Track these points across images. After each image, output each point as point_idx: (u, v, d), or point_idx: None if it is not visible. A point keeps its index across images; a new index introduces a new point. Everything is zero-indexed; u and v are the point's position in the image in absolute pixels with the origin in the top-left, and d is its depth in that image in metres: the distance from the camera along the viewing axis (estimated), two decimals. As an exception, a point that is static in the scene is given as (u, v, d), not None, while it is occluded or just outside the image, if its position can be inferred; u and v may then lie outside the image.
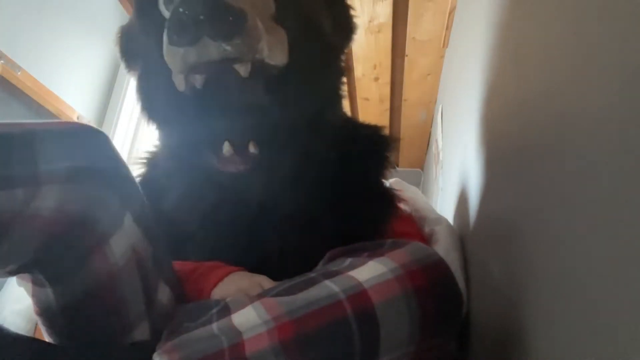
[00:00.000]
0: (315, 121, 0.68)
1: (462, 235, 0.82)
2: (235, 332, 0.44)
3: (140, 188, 0.55)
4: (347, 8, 0.79)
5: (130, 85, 2.79)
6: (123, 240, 0.51)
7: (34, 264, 0.48)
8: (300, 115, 0.66)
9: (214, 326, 0.46)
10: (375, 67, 2.03)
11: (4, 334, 0.48)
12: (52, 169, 0.45)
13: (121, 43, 0.77)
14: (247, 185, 0.65)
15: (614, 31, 0.30)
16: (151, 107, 0.70)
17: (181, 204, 0.68)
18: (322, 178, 0.67)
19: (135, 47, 0.74)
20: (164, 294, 0.56)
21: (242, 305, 0.48)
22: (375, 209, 0.72)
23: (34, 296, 0.51)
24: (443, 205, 1.39)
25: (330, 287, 0.47)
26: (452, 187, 1.12)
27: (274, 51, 0.61)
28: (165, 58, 0.59)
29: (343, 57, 0.78)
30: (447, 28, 1.53)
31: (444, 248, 0.73)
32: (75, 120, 2.50)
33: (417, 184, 2.63)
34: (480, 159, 0.76)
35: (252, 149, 0.63)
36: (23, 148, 0.45)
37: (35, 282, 0.50)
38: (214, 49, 0.55)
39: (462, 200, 0.91)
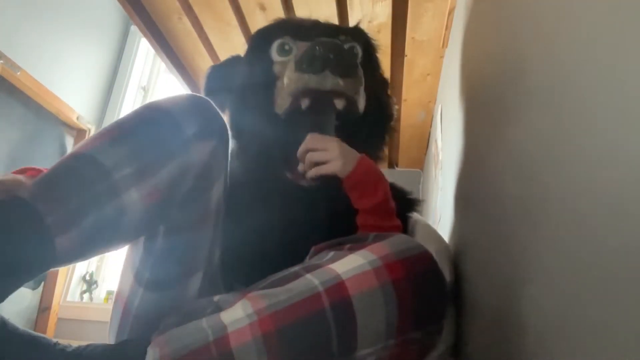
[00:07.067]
0: None
1: (461, 239, 0.82)
2: (221, 326, 0.46)
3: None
4: (391, 100, 1.02)
5: (129, 85, 2.79)
6: (220, 188, 0.64)
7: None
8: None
9: (203, 321, 0.49)
10: (374, 67, 2.02)
11: (10, 329, 0.49)
12: (192, 132, 0.57)
13: (209, 80, 0.93)
14: (312, 199, 0.76)
15: (615, 36, 0.30)
16: (241, 126, 0.86)
17: (253, 201, 0.79)
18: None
19: (225, 83, 0.92)
20: (218, 251, 0.67)
21: (233, 303, 0.50)
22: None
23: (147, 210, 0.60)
24: (443, 205, 1.39)
25: (310, 280, 0.48)
26: (451, 187, 1.12)
27: (362, 101, 0.81)
28: (287, 80, 0.77)
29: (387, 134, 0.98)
30: (446, 28, 1.53)
31: None
32: (75, 120, 2.50)
33: (417, 183, 2.63)
34: (478, 161, 0.76)
35: None
36: (171, 124, 0.57)
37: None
38: (330, 81, 0.74)
39: (461, 202, 0.92)
